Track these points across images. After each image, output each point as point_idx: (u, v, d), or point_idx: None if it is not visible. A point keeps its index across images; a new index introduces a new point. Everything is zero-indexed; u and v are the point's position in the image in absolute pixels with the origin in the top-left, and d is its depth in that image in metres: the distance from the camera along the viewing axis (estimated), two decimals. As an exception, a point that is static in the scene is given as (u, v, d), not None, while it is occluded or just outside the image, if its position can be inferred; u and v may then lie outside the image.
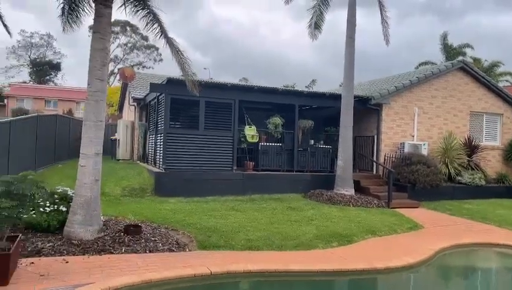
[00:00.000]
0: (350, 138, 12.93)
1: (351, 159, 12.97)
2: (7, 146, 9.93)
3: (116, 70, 57.12)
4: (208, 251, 7.13)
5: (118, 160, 17.89)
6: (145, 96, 16.33)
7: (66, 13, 8.12)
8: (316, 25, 14.32)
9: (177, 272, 5.74)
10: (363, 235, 8.70)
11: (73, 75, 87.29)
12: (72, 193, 7.90)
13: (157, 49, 63.16)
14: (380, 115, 14.49)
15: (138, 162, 16.50)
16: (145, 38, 59.94)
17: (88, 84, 7.19)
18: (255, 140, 12.97)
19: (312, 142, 14.01)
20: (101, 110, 7.19)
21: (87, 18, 8.64)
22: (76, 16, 8.24)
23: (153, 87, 11.90)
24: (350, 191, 12.72)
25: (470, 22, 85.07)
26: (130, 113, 18.57)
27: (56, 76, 62.96)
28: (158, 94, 13.22)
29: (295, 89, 12.79)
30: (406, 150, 14.16)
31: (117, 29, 58.59)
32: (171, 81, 11.72)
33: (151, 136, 14.96)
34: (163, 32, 8.20)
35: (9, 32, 9.02)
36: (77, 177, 7.18)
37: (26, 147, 11.54)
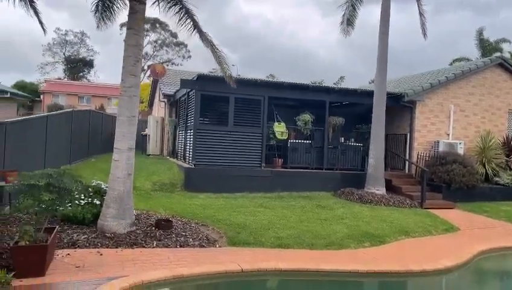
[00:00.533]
0: (382, 136, 12.61)
1: (383, 158, 12.66)
2: (44, 141, 10.24)
3: (146, 67, 58.24)
4: (238, 247, 7.11)
5: (148, 155, 18.17)
6: (175, 93, 16.49)
7: (100, 10, 8.24)
8: (349, 21, 14.04)
9: (208, 268, 5.74)
10: (395, 236, 8.46)
11: (105, 71, 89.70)
12: (106, 187, 8.06)
13: (185, 46, 64.00)
14: (414, 112, 14.06)
15: (168, 157, 16.70)
16: (175, 36, 60.75)
17: (122, 80, 7.28)
18: (284, 137, 12.86)
19: (342, 139, 13.75)
20: (134, 105, 7.27)
21: (120, 15, 8.75)
22: (110, 13, 8.36)
23: (184, 83, 12.00)
24: (381, 190, 12.42)
25: (506, 17, 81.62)
26: (160, 109, 18.84)
27: (89, 73, 64.81)
28: (188, 90, 13.31)
29: (325, 85, 12.50)
30: (441, 149, 13.69)
31: (147, 26, 59.58)
32: (201, 78, 11.76)
33: (180, 132, 15.10)
34: (196, 27, 8.20)
35: (44, 29, 9.23)
36: (110, 172, 7.30)
37: (62, 141, 11.89)
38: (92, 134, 16.11)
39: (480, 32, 33.49)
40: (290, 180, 12.58)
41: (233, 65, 17.75)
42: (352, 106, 14.45)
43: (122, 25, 60.02)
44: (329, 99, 13.29)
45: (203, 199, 10.88)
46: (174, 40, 62.55)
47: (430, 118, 14.19)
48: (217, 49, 8.56)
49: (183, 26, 8.36)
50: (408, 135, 14.20)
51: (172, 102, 17.09)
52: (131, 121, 7.23)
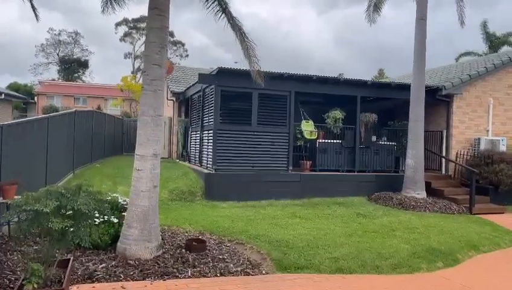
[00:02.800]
0: (421, 134, 11.37)
1: (423, 158, 11.42)
2: (45, 145, 8.87)
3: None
4: (290, 273, 5.81)
5: (156, 158, 16.83)
6: (186, 90, 15.17)
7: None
8: (376, 7, 12.82)
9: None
10: (465, 252, 7.21)
11: (101, 73, 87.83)
12: (123, 201, 6.74)
13: (183, 45, 62.68)
14: (451, 107, 12.82)
15: (177, 160, 15.36)
16: (171, 34, 59.30)
17: (144, 72, 5.97)
18: (314, 137, 11.57)
19: (374, 138, 12.48)
20: (159, 102, 5.96)
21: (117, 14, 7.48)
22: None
23: (202, 78, 10.65)
24: (422, 194, 11.19)
25: (504, 9, 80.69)
26: (167, 109, 17.44)
27: (84, 73, 63.13)
28: (204, 86, 11.99)
29: (357, 78, 11.24)
30: (482, 146, 12.46)
31: (143, 25, 58.16)
32: (222, 72, 10.44)
33: (193, 133, 13.77)
34: (224, 9, 6.92)
35: (36, 16, 8.15)
36: (132, 184, 5.98)
37: (64, 145, 10.53)
38: (96, 136, 14.74)
39: (484, 26, 32.33)
40: (320, 184, 11.31)
41: (236, 62, 16.41)
42: (381, 101, 13.20)
43: (117, 24, 58.89)
44: (361, 94, 12.01)
45: (228, 209, 9.58)
46: (171, 39, 61.13)
47: (468, 113, 12.96)
48: (246, 37, 7.30)
49: (211, 8, 7.12)
50: (444, 131, 12.96)
51: (182, 100, 15.75)
52: (156, 121, 5.91)
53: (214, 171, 10.62)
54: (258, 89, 10.86)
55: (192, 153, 13.87)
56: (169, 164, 14.43)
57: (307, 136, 11.42)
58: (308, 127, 11.51)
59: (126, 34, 59.65)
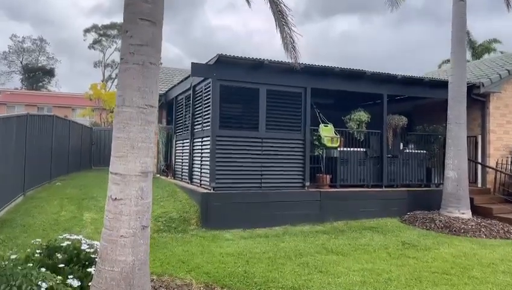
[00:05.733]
0: (464, 139, 9.33)
1: (467, 169, 9.37)
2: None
3: (114, 76, 53.41)
4: None
5: (131, 173, 14.16)
6: (168, 91, 12.67)
7: None
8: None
9: None
10: None
11: (69, 82, 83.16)
12: (88, 246, 4.23)
13: (156, 52, 59.69)
14: (487, 107, 10.90)
15: (159, 176, 12.74)
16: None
17: (125, 31, 3.53)
18: (335, 144, 9.30)
19: (401, 145, 10.37)
20: (152, 83, 3.52)
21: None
22: None
23: (196, 69, 8.17)
24: (467, 214, 9.11)
25: (485, 17, 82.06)
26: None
27: (49, 82, 58.97)
28: (195, 83, 9.57)
29: (385, 72, 9.11)
30: (526, 154, 10.58)
31: (113, 32, 55.20)
32: (222, 61, 8.06)
33: (179, 142, 11.26)
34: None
35: None
36: (104, 223, 3.48)
37: (10, 159, 7.82)
38: (57, 148, 11.95)
39: (467, 33, 31.69)
40: (342, 204, 9.06)
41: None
42: (407, 102, 11.15)
43: (86, 31, 55.37)
44: (389, 92, 9.89)
45: (235, 242, 7.12)
46: (143, 46, 58.06)
47: (505, 114, 11.07)
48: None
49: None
50: (479, 137, 11.01)
51: (163, 104, 13.22)
52: (146, 116, 3.46)
53: (212, 191, 8.15)
54: (266, 84, 8.57)
55: (177, 166, 11.33)
56: (149, 180, 11.79)
57: (327, 144, 9.14)
58: (328, 133, 9.24)
59: (95, 42, 56.21)
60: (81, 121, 33.97)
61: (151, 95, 3.49)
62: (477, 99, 10.78)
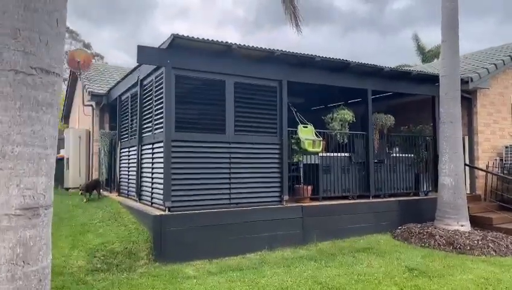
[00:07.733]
0: (460, 140, 8.18)
1: (463, 174, 8.22)
2: None
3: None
4: None
5: (67, 189, 11.89)
6: (111, 90, 10.62)
7: None
8: None
9: None
10: None
11: None
12: None
13: (102, 58, 56.54)
14: (474, 106, 9.92)
15: (102, 192, 10.59)
16: (88, 46, 53.16)
17: None
18: (318, 148, 7.75)
19: (386, 149, 9.06)
20: (50, 21, 1.71)
21: None
22: None
23: (144, 54, 6.23)
24: (467, 226, 7.93)
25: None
26: (84, 118, 12.58)
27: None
28: (143, 77, 7.69)
29: (370, 64, 7.75)
30: (515, 156, 9.67)
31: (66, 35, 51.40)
32: (178, 45, 6.28)
33: (125, 149, 9.26)
34: None
35: None
36: None
37: None
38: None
39: (416, 38, 32.29)
40: (327, 220, 7.56)
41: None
42: (390, 99, 9.93)
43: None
44: (372, 87, 8.54)
45: (201, 282, 5.31)
46: (89, 52, 54.64)
47: (492, 113, 10.16)
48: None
49: None
50: (466, 138, 10.00)
51: (106, 105, 11.12)
52: (34, 91, 1.66)
53: (167, 211, 6.29)
54: (235, 76, 6.90)
55: (123, 180, 9.31)
56: (89, 199, 9.66)
57: (308, 148, 7.56)
58: (308, 134, 7.69)
59: None
60: None
61: (45, 47, 1.70)
62: (463, 96, 9.75)
